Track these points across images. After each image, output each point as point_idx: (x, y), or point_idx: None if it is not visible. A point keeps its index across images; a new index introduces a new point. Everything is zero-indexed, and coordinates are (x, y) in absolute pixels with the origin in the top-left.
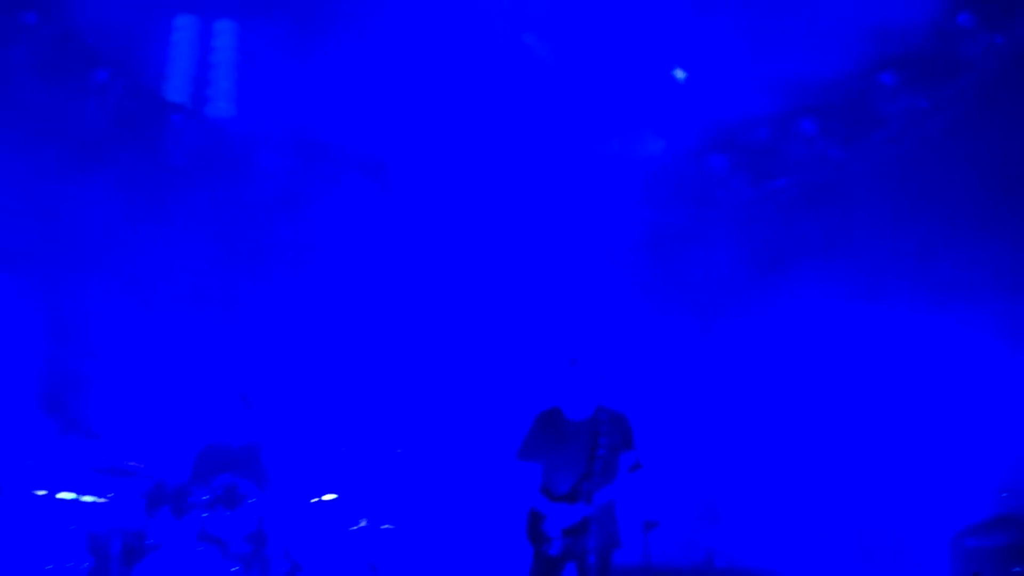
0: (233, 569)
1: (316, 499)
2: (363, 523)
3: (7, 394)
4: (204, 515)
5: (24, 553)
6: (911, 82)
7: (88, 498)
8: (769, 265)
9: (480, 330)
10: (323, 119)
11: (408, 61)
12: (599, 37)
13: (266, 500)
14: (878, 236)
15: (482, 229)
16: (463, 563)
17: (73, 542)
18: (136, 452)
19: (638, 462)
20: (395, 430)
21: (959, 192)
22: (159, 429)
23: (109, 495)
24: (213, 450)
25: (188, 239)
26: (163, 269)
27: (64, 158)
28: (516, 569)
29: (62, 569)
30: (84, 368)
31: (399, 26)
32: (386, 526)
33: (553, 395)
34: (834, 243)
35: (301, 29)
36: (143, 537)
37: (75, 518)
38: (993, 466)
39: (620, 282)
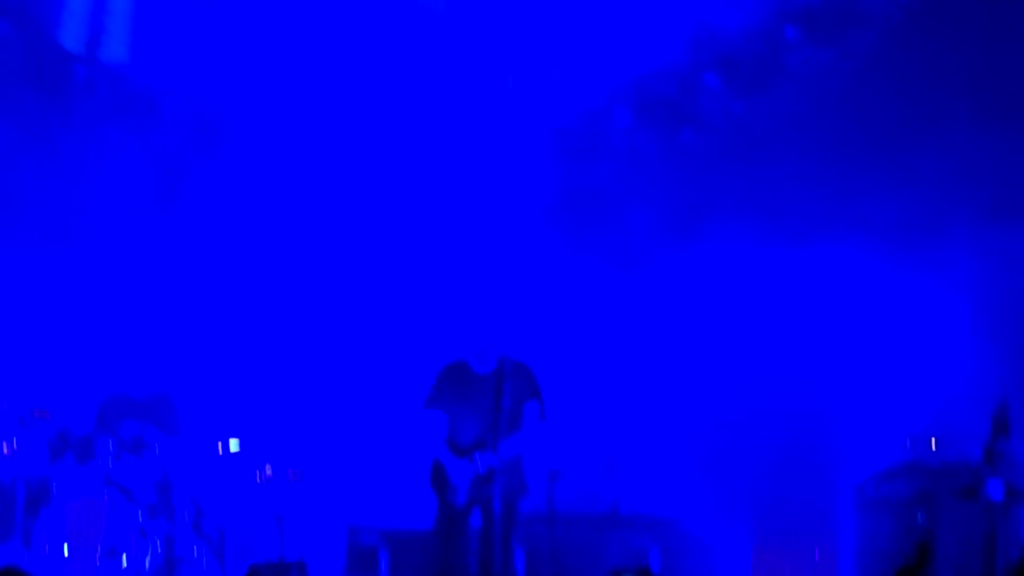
0: (138, 516)
1: (222, 447)
2: (269, 470)
3: None
4: (109, 463)
5: None
6: (815, 34)
7: None
8: (684, 218)
9: (389, 284)
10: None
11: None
12: None
13: (172, 448)
14: (789, 186)
15: (390, 181)
16: (369, 512)
17: None
18: (40, 400)
19: (543, 412)
20: (302, 378)
21: (869, 138)
22: (64, 376)
23: (12, 443)
24: (118, 398)
25: (97, 188)
26: (72, 219)
27: None
28: (422, 519)
29: None
30: None
31: None
32: (292, 473)
33: (459, 347)
34: (746, 194)
35: None
36: (48, 485)
37: None
38: (903, 414)
39: (530, 239)
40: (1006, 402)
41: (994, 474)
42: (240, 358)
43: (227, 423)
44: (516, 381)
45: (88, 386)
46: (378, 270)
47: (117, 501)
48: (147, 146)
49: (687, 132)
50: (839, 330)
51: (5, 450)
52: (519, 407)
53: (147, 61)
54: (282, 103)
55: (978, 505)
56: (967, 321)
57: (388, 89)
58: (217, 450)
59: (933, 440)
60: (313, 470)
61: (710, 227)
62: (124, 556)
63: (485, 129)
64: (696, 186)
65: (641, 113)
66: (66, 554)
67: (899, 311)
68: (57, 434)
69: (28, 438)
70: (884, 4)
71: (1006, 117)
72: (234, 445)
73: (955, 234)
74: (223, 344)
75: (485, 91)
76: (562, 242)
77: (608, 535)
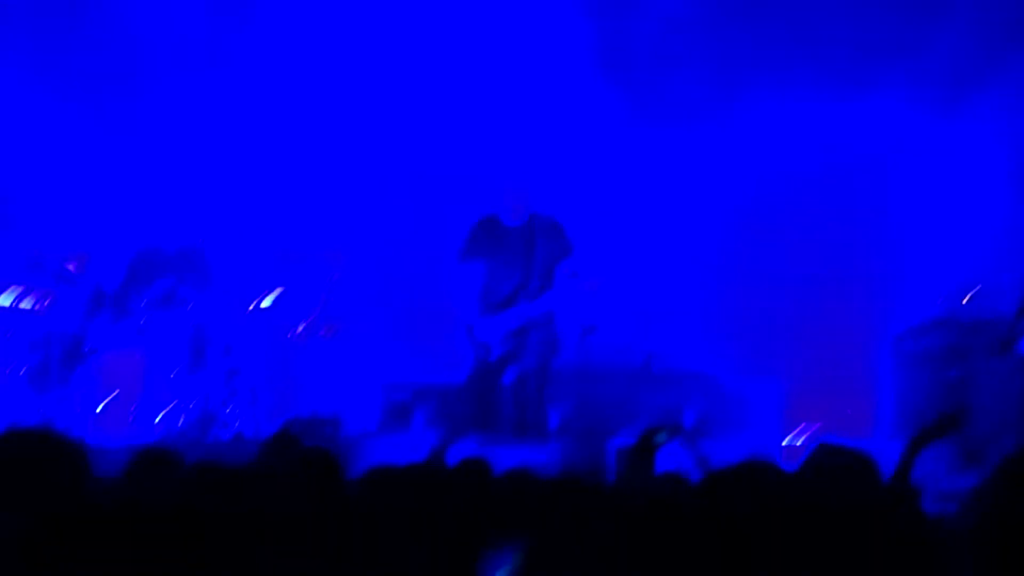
0: (172, 373)
1: (255, 303)
2: (302, 327)
3: None
4: (143, 319)
5: None
6: None
7: (26, 303)
8: (732, 72)
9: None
10: None
11: None
12: None
13: (205, 303)
14: (838, 40)
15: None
16: (403, 368)
17: (12, 348)
18: (73, 256)
19: (575, 270)
20: (336, 232)
21: None
22: (99, 231)
23: (47, 300)
24: (151, 253)
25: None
26: (111, 65)
27: None
28: (456, 374)
29: (2, 375)
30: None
31: None
32: (326, 330)
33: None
34: (795, 47)
35: None
36: (82, 342)
37: (13, 324)
38: (940, 268)
39: (573, 99)
40: None
41: None
42: (275, 211)
43: (260, 278)
44: (548, 238)
45: (122, 241)
46: (417, 124)
47: (150, 357)
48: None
49: None
50: (879, 184)
51: (41, 306)
52: (551, 264)
53: None
54: None
55: (1012, 360)
56: (1006, 173)
57: None
58: (250, 306)
59: (968, 295)
60: (346, 325)
61: (758, 81)
62: (158, 412)
63: None
64: (745, 39)
65: None
66: (100, 410)
67: (939, 164)
68: (92, 290)
69: (63, 294)
70: None
71: None
72: (267, 300)
73: (1000, 82)
74: (257, 197)
75: None
76: (609, 97)
77: (641, 391)
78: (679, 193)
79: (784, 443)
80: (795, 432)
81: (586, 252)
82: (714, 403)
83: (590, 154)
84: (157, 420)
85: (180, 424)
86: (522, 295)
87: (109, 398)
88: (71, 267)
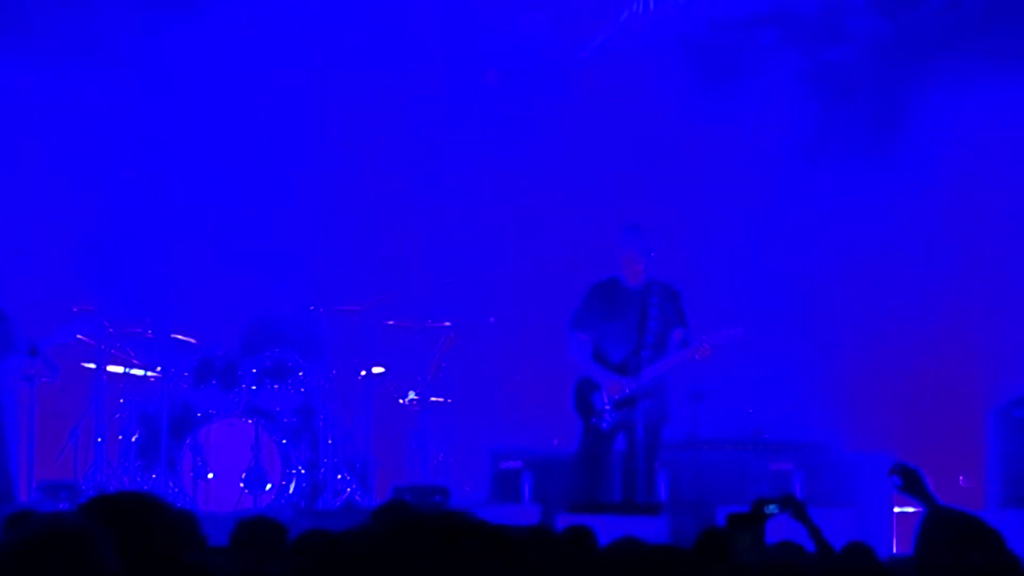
0: (282, 441)
1: (365, 372)
2: (412, 396)
3: (56, 269)
4: (252, 388)
5: (76, 427)
6: None
7: (137, 372)
8: (823, 141)
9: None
10: None
11: None
12: None
13: (314, 373)
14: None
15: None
16: (512, 436)
17: (123, 416)
18: (184, 325)
19: (687, 339)
20: (448, 303)
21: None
22: (209, 302)
23: (158, 368)
24: (262, 323)
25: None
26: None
27: None
28: (568, 442)
29: (112, 442)
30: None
31: None
32: (436, 399)
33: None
34: (890, 114)
35: None
36: (192, 410)
37: (124, 392)
38: None
39: (689, 164)
40: None
41: None
42: (384, 280)
43: (370, 347)
44: (664, 304)
45: (232, 312)
46: (528, 190)
47: (260, 427)
48: None
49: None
50: (979, 246)
51: (150, 377)
52: (665, 331)
53: None
54: None
55: None
56: None
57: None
58: (360, 374)
59: None
60: (456, 394)
61: (847, 151)
62: (268, 480)
63: (627, 43)
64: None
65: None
66: (211, 477)
67: None
68: (201, 360)
69: (173, 364)
70: None
71: None
72: (377, 369)
73: None
74: (367, 265)
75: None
76: (704, 164)
77: (751, 459)
78: (791, 261)
79: (895, 512)
80: (905, 501)
81: (698, 320)
82: (824, 471)
83: (706, 218)
84: (267, 488)
85: (290, 492)
86: (634, 362)
87: (219, 466)
88: (181, 336)
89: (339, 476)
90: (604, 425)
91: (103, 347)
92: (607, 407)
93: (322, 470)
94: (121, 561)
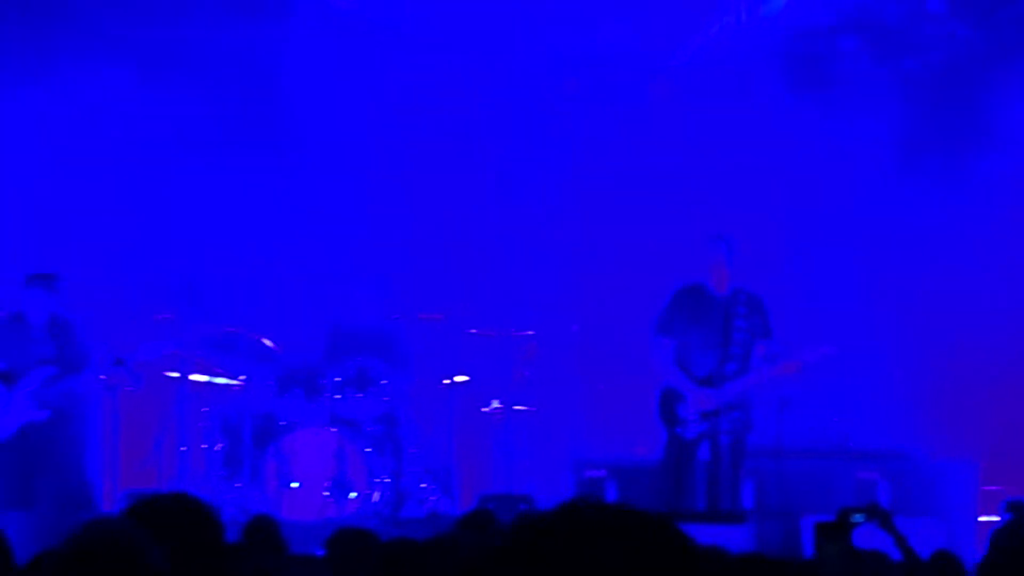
0: (365, 450)
1: (448, 380)
2: (495, 404)
3: (139, 278)
4: (336, 397)
5: (160, 437)
6: None
7: (220, 380)
8: (905, 147)
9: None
10: None
11: None
12: None
13: (398, 381)
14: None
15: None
16: (597, 445)
17: (206, 424)
18: (268, 333)
19: (774, 352)
20: (531, 310)
21: None
22: (291, 310)
23: (241, 377)
24: (344, 331)
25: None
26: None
27: None
28: (651, 450)
29: (195, 451)
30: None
31: None
32: (519, 407)
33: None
34: (974, 121)
35: None
36: (275, 419)
37: (208, 401)
38: None
39: (744, 172)
40: None
41: None
42: (467, 289)
43: (454, 354)
44: (750, 314)
45: (315, 320)
46: (610, 198)
47: (344, 436)
48: None
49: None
50: None
51: (233, 386)
52: (750, 342)
53: None
54: None
55: None
56: None
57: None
58: (444, 382)
59: None
60: (539, 403)
61: (930, 160)
62: (352, 489)
63: (714, 53)
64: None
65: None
66: (295, 487)
67: None
68: (285, 369)
69: (257, 373)
70: None
71: None
72: (460, 378)
73: None
74: (448, 273)
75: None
76: (789, 174)
77: (836, 468)
78: (874, 270)
79: (980, 520)
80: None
81: (783, 330)
82: (909, 481)
83: (791, 227)
84: (351, 497)
85: (374, 501)
86: (719, 375)
87: (302, 475)
88: (265, 344)
89: (422, 485)
90: (689, 435)
91: (187, 356)
92: (692, 418)
93: (405, 479)
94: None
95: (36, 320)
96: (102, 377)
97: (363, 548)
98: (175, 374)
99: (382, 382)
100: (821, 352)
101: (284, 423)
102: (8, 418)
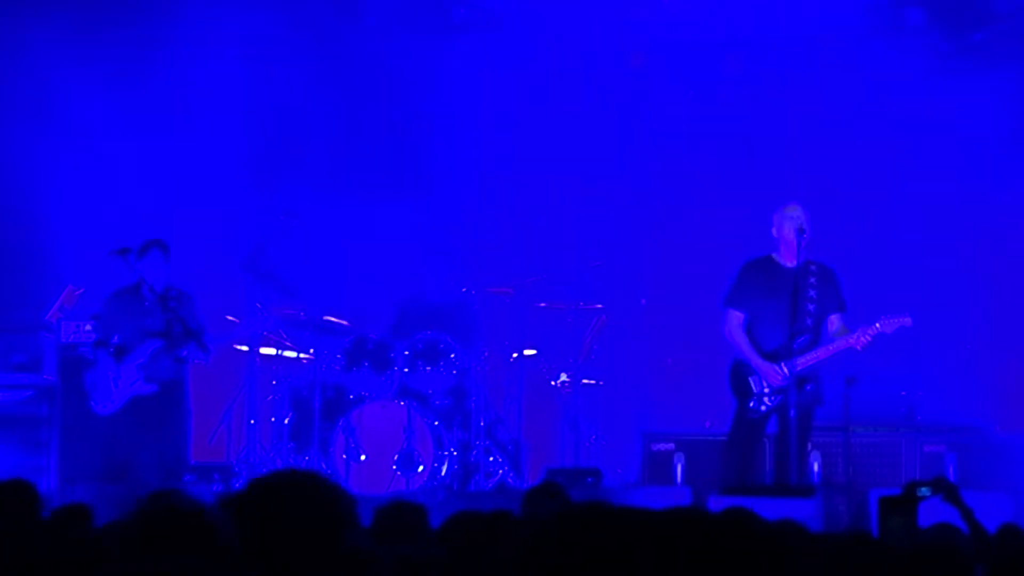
0: (434, 423)
1: (517, 354)
2: (564, 378)
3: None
4: (404, 370)
5: (229, 409)
6: None
7: (290, 354)
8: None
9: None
10: None
11: None
12: None
13: (466, 355)
14: None
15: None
16: (665, 418)
17: (275, 398)
18: (337, 307)
19: (844, 326)
20: (599, 283)
21: None
22: (360, 284)
23: (310, 351)
24: (414, 305)
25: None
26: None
27: None
28: (720, 424)
29: (265, 424)
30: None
31: None
32: (587, 381)
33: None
34: None
35: None
36: (344, 392)
37: (277, 374)
38: None
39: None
40: None
41: None
42: (535, 262)
43: (523, 328)
44: (822, 286)
45: (384, 294)
46: (678, 171)
47: (413, 409)
48: None
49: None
50: None
51: (303, 359)
52: (822, 315)
53: None
54: None
55: None
56: None
57: None
58: (513, 356)
59: None
60: (608, 376)
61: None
62: (420, 464)
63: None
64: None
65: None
66: (363, 459)
67: None
68: (354, 342)
69: (326, 347)
70: None
71: None
72: (529, 351)
73: None
74: (519, 248)
75: None
76: (852, 147)
77: (904, 442)
78: (946, 244)
79: None
80: None
81: (853, 302)
82: (977, 455)
83: (859, 200)
84: (420, 470)
85: (443, 474)
86: (790, 348)
87: (371, 448)
88: (334, 319)
89: (491, 458)
90: (763, 408)
91: (256, 329)
92: (765, 391)
93: (474, 452)
94: (282, 544)
95: (149, 291)
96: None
97: (412, 521)
98: (244, 347)
99: (451, 355)
100: (898, 323)
101: (353, 396)
102: (117, 391)
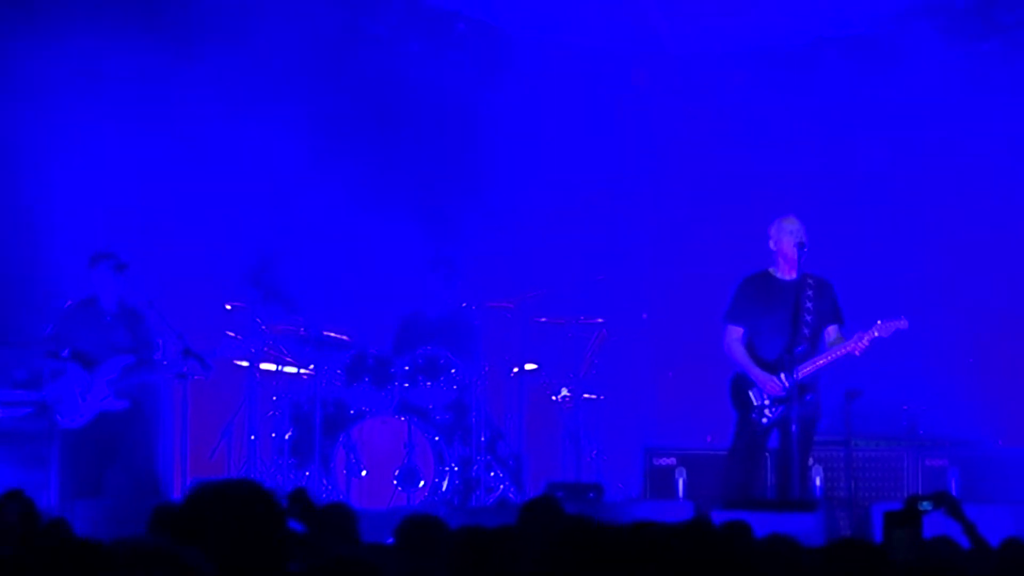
0: (435, 438)
1: (517, 369)
2: (565, 393)
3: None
4: (405, 385)
5: (229, 425)
6: None
7: (290, 369)
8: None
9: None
10: None
11: None
12: None
13: (467, 370)
14: None
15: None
16: (666, 433)
17: (276, 413)
18: (337, 323)
19: (841, 336)
20: (601, 298)
21: None
22: (361, 300)
23: (311, 366)
24: (415, 320)
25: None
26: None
27: None
28: (721, 439)
29: (266, 439)
30: (282, 241)
31: None
32: (588, 396)
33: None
34: None
35: None
36: (345, 407)
37: (278, 389)
38: None
39: (815, 158)
40: None
41: None
42: (535, 277)
43: (523, 343)
44: (818, 297)
45: (384, 309)
46: (678, 187)
47: (413, 424)
48: None
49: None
50: None
51: (303, 375)
52: (821, 326)
53: None
54: None
55: None
56: None
57: None
58: (512, 371)
59: None
60: (609, 391)
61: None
62: (421, 479)
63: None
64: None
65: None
66: (364, 474)
67: None
68: (354, 358)
69: (326, 362)
70: None
71: None
72: (530, 366)
73: None
74: (519, 263)
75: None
76: (853, 154)
77: (906, 456)
78: (943, 256)
79: None
80: None
81: (851, 313)
82: (979, 469)
83: (857, 211)
84: (420, 485)
85: (443, 489)
86: (789, 359)
87: (372, 463)
88: (334, 334)
89: (492, 473)
90: (764, 421)
91: (256, 344)
92: (766, 403)
93: (475, 467)
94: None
95: (107, 305)
96: (176, 368)
97: (432, 535)
98: (244, 363)
99: (452, 370)
100: (893, 327)
101: (354, 411)
102: (85, 405)
